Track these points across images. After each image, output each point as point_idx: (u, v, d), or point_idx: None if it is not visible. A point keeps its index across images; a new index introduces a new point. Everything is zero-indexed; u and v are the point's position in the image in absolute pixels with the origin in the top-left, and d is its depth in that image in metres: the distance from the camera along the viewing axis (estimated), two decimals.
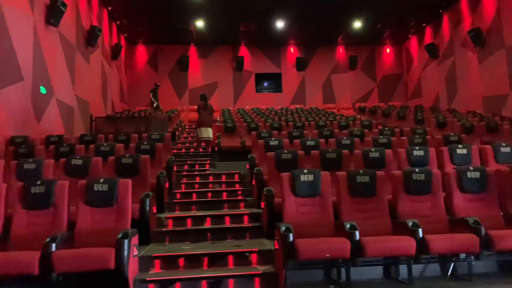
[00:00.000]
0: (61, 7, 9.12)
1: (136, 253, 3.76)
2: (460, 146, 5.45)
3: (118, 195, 4.06)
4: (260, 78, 19.37)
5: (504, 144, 5.51)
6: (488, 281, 3.71)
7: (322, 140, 6.93)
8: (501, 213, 4.19)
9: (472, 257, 3.67)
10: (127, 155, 5.47)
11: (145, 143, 6.66)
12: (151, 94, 13.28)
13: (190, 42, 18.45)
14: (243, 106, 17.40)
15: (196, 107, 11.35)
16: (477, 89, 13.26)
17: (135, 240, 3.72)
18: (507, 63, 11.74)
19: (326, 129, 8.31)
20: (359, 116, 13.90)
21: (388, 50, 19.68)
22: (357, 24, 16.52)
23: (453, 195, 4.26)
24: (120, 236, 3.49)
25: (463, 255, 3.69)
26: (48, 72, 9.19)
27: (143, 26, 16.46)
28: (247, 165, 6.98)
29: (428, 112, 12.86)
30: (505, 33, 11.83)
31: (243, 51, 19.11)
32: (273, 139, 6.91)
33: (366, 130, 8.29)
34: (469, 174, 4.26)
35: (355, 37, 18.14)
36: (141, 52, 18.66)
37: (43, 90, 8.88)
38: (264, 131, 8.41)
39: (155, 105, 13.16)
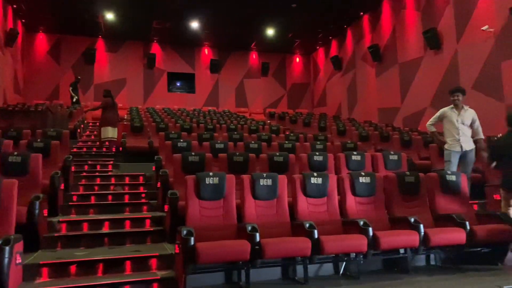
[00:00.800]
0: None
1: (20, 261, 3.41)
2: (355, 153, 5.89)
3: (1, 197, 3.65)
4: (172, 77, 18.99)
5: (392, 153, 6.09)
6: (374, 278, 4.05)
7: (231, 144, 6.99)
8: (387, 215, 4.62)
9: (361, 256, 3.97)
10: (15, 153, 4.95)
11: (39, 140, 6.10)
12: (70, 88, 12.33)
13: (98, 34, 17.40)
14: (154, 105, 16.88)
15: (99, 103, 10.67)
16: (374, 101, 14.54)
17: (18, 246, 3.37)
18: (399, 78, 13.07)
19: (236, 132, 8.41)
20: (269, 121, 14.33)
21: (297, 59, 20.67)
22: (270, 32, 17.09)
23: (347, 198, 4.59)
24: None
25: (353, 255, 3.98)
26: None
27: (44, 13, 15.08)
28: (153, 167, 6.77)
29: (331, 120, 13.74)
30: (399, 51, 13.16)
31: (156, 48, 18.57)
32: (181, 140, 6.81)
33: (273, 135, 8.57)
34: (361, 179, 4.62)
35: (268, 44, 18.74)
36: (41, 41, 17.10)
37: None
38: (173, 132, 8.24)
39: (74, 99, 12.20)
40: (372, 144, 9.35)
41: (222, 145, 6.68)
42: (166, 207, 4.91)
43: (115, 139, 9.47)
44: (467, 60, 10.19)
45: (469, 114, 5.62)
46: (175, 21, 15.72)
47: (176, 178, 5.38)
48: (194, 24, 16.11)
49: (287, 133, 11.78)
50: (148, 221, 5.18)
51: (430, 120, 5.86)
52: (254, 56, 20.03)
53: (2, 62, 13.44)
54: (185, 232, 3.55)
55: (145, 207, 5.83)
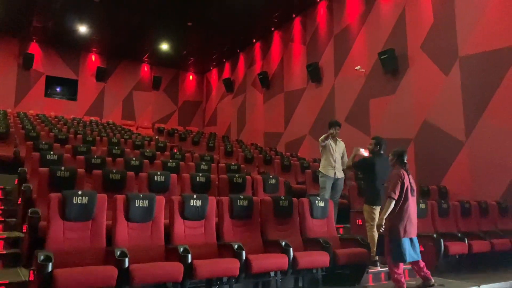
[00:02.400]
0: None
1: None
2: (237, 175, 6.03)
3: None
4: (52, 81, 17.38)
5: (271, 176, 6.39)
6: None
7: (109, 159, 6.59)
8: (262, 238, 4.78)
9: (233, 280, 4.01)
10: None
11: None
12: None
13: None
14: (27, 110, 15.15)
15: None
16: (261, 125, 15.19)
17: None
18: (284, 105, 13.90)
19: (117, 147, 7.96)
20: (156, 137, 13.93)
21: (191, 77, 20.67)
22: (164, 46, 16.84)
23: (224, 221, 4.63)
24: None
25: (225, 279, 4.00)
26: None
27: None
28: (16, 180, 6.02)
29: (219, 140, 13.94)
30: (285, 80, 14.04)
31: (35, 48, 16.84)
32: (51, 152, 6.19)
33: (158, 152, 8.34)
34: (239, 202, 4.73)
35: (161, 58, 18.41)
36: None
37: None
38: (44, 142, 7.45)
39: None
40: (255, 166, 9.71)
41: (99, 160, 6.26)
42: (24, 227, 4.38)
43: None
44: (342, 95, 11.32)
45: (342, 146, 6.31)
46: (59, 20, 14.47)
47: (41, 194, 4.83)
48: (82, 28, 15.06)
49: (175, 150, 11.63)
50: (1, 242, 4.55)
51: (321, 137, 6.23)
52: (146, 69, 19.44)
53: None
54: (42, 257, 3.20)
55: (0, 226, 5.12)
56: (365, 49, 10.72)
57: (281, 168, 8.88)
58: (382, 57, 9.71)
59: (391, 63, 9.58)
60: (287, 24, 14.08)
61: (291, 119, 13.43)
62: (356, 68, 10.62)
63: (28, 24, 14.92)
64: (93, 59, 18.13)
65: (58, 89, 17.69)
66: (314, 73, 12.24)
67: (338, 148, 6.19)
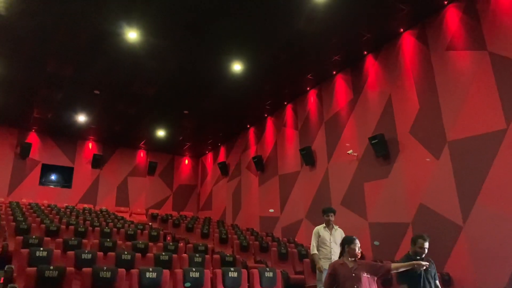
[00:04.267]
0: None
1: None
2: (232, 269, 5.82)
3: None
4: (47, 169, 17.48)
5: (268, 269, 6.17)
6: None
7: (100, 254, 6.39)
8: None
9: None
10: None
11: None
12: None
13: None
14: (20, 199, 15.02)
15: None
16: (256, 209, 15.03)
17: None
18: (279, 189, 13.90)
19: (109, 239, 7.76)
20: (150, 224, 13.68)
21: (186, 161, 20.90)
22: (161, 133, 17.25)
23: None
24: None
25: None
26: None
27: None
28: (1, 278, 5.75)
29: (214, 226, 13.68)
30: (279, 164, 14.20)
31: (33, 137, 17.19)
32: (41, 248, 6.02)
33: (151, 243, 8.12)
34: None
35: (157, 144, 18.77)
36: None
37: None
38: (34, 236, 7.27)
39: None
40: (252, 254, 9.42)
41: (89, 256, 6.07)
42: None
43: None
44: (336, 178, 11.40)
45: (339, 233, 6.08)
46: (59, 111, 14.97)
47: None
48: (80, 118, 15.53)
49: (168, 239, 11.34)
50: None
51: (312, 243, 6.01)
52: (142, 155, 19.72)
53: None
54: None
55: None
56: (355, 134, 11.03)
57: (278, 256, 8.61)
58: (372, 141, 9.97)
59: (381, 148, 9.82)
60: (279, 111, 14.65)
61: (286, 202, 13.35)
62: (348, 152, 10.84)
63: (29, 116, 15.40)
64: (90, 146, 18.45)
65: (53, 177, 17.72)
66: (308, 157, 12.44)
67: (334, 237, 6.01)
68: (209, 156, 20.22)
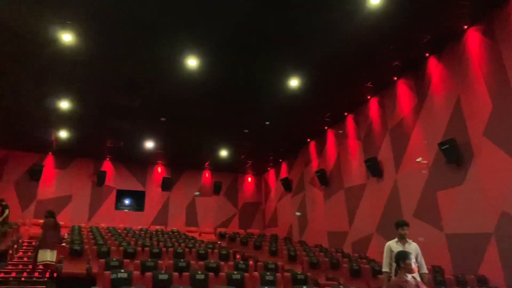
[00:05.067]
0: None
1: None
2: (305, 287, 5.73)
3: None
4: (121, 194, 18.58)
5: (341, 287, 5.98)
6: None
7: (176, 274, 6.61)
8: None
9: None
10: None
11: None
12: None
13: (48, 151, 17.17)
14: (99, 224, 16.09)
15: (41, 221, 10.10)
16: (323, 224, 14.75)
17: None
18: (345, 202, 13.56)
19: (182, 260, 8.02)
20: (219, 243, 13.96)
21: (249, 179, 21.17)
22: (223, 153, 17.68)
23: None
24: None
25: None
26: None
27: None
28: None
29: (281, 243, 13.60)
30: (344, 176, 13.89)
31: (107, 165, 18.44)
32: (122, 270, 6.35)
33: (222, 263, 8.25)
34: None
35: (221, 164, 19.23)
36: None
37: None
38: (114, 259, 7.71)
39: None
40: (322, 271, 9.22)
41: (166, 276, 6.30)
42: None
43: (53, 263, 8.76)
44: (406, 189, 10.89)
45: (414, 247, 5.70)
46: (129, 140, 15.97)
47: None
48: (148, 144, 16.41)
49: (238, 257, 11.46)
50: None
51: (384, 260, 5.75)
52: (207, 175, 20.32)
53: None
54: None
55: None
56: (423, 141, 10.51)
57: (350, 273, 8.34)
58: (443, 147, 9.44)
59: (453, 153, 9.25)
60: (339, 122, 14.40)
61: (355, 216, 12.96)
62: (418, 160, 10.35)
63: (103, 146, 16.58)
64: (159, 170, 19.37)
65: (127, 201, 18.77)
66: (374, 168, 12.05)
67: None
68: (271, 173, 20.31)
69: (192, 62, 10.46)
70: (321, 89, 11.96)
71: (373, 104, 12.71)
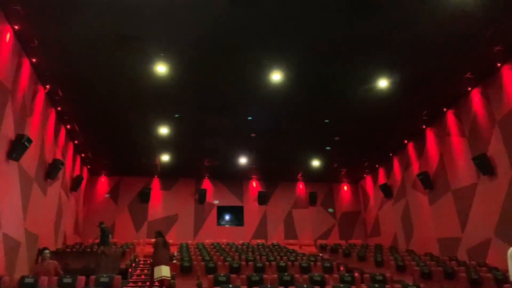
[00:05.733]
0: (25, 142, 9.22)
1: None
2: None
3: None
4: (222, 210, 19.38)
5: None
6: None
7: None
8: None
9: None
10: None
11: None
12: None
13: (154, 174, 18.69)
14: (203, 240, 16.95)
15: (153, 240, 10.96)
16: (431, 231, 13.70)
17: None
18: (455, 206, 12.44)
19: (286, 273, 8.05)
20: (320, 255, 13.74)
21: (345, 187, 20.62)
22: (315, 163, 17.51)
23: None
24: None
25: None
26: None
27: (107, 159, 16.72)
28: None
29: (387, 253, 12.93)
30: (450, 178, 12.80)
31: (206, 183, 19.43)
32: (230, 286, 6.58)
33: (326, 275, 8.09)
34: None
35: (314, 175, 19.06)
36: (103, 183, 18.57)
37: None
38: (222, 274, 8.03)
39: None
40: (436, 282, 8.54)
41: None
42: None
43: (168, 278, 9.42)
44: None
45: None
46: (224, 158, 16.71)
47: None
48: (242, 160, 16.96)
49: (342, 269, 11.15)
50: None
51: (510, 270, 5.12)
52: (301, 186, 20.28)
53: (66, 206, 14.48)
54: None
55: None
56: None
57: (468, 283, 7.60)
58: None
59: None
60: (439, 119, 13.37)
61: (467, 220, 11.81)
62: None
63: (201, 166, 17.56)
64: (254, 185, 19.86)
65: (227, 217, 19.52)
66: (484, 165, 10.93)
67: None
68: (368, 180, 19.55)
69: (276, 77, 10.63)
70: (414, 86, 11.23)
71: (475, 95, 11.59)
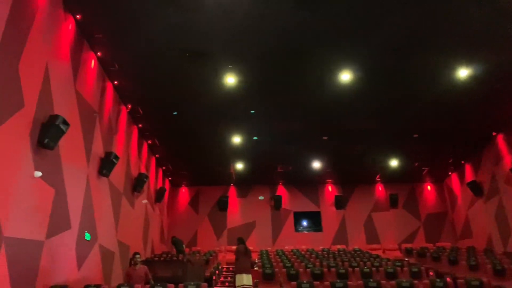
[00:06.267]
0: (113, 159, 9.99)
1: None
2: None
3: None
4: (299, 216, 19.27)
5: None
6: None
7: None
8: None
9: None
10: None
11: None
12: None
13: (230, 182, 19.17)
14: (282, 246, 16.97)
15: (233, 248, 11.22)
16: None
17: None
18: None
19: (371, 280, 7.74)
20: (406, 260, 13.05)
21: (429, 187, 19.42)
22: (393, 163, 16.70)
23: None
24: None
25: None
26: (94, 219, 9.60)
27: (186, 171, 17.52)
28: None
29: (482, 256, 11.89)
30: None
31: (281, 190, 19.47)
32: None
33: (415, 281, 7.65)
34: None
35: (393, 175, 18.18)
36: (184, 194, 19.45)
37: (87, 236, 9.15)
38: (305, 281, 7.95)
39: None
40: None
41: None
42: None
43: (250, 286, 9.56)
44: None
45: None
46: (297, 163, 16.62)
47: None
48: (316, 164, 16.73)
49: (431, 274, 10.47)
50: None
51: None
52: (380, 188, 19.48)
53: (152, 217, 15.39)
54: None
55: None
56: None
57: None
58: None
59: None
60: None
61: None
62: None
63: (274, 172, 17.65)
64: (330, 189, 19.49)
65: (304, 223, 19.35)
66: None
67: None
68: (454, 177, 18.20)
69: (345, 77, 10.37)
70: (504, 70, 10.18)
71: None
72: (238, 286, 9.65)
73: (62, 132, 7.17)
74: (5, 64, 5.96)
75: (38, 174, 6.75)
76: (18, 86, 6.28)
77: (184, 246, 14.61)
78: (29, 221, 6.57)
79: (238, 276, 9.67)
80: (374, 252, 15.29)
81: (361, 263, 11.41)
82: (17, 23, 6.25)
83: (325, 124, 13.15)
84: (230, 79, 10.40)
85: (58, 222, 7.68)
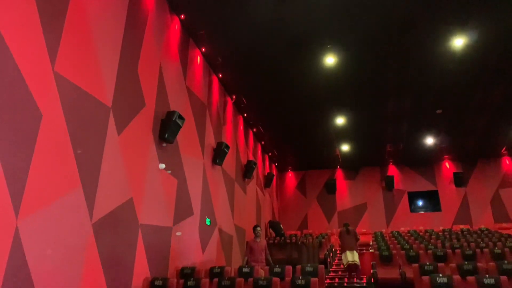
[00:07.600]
0: (224, 149, 10.56)
1: None
2: None
3: None
4: (413, 196, 18.23)
5: None
6: None
7: (504, 278, 5.80)
8: None
9: None
10: None
11: (300, 277, 6.55)
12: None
13: (336, 165, 18.90)
14: (397, 228, 16.26)
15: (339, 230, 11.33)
16: None
17: None
18: None
19: (506, 262, 6.99)
20: None
21: None
22: None
23: None
24: None
25: None
26: (212, 205, 10.30)
27: (291, 156, 17.73)
28: None
29: None
30: None
31: (392, 170, 18.59)
32: (440, 275, 6.09)
33: None
34: None
35: None
36: (290, 178, 19.75)
37: (208, 222, 9.88)
38: (427, 263, 7.51)
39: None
40: None
41: (492, 281, 5.61)
42: None
43: (356, 262, 9.71)
44: None
45: None
46: (408, 141, 15.65)
47: None
48: (429, 140, 15.56)
49: None
50: None
51: None
52: (507, 162, 17.39)
53: (263, 202, 15.96)
54: None
55: None
56: None
57: None
58: None
59: None
60: None
61: None
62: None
63: (384, 152, 16.88)
64: (447, 166, 18.01)
65: (420, 203, 18.24)
66: None
67: None
68: None
69: (459, 42, 9.39)
70: None
71: None
72: (345, 264, 9.92)
73: (179, 127, 7.79)
74: (127, 68, 6.65)
75: (163, 166, 7.45)
76: (139, 87, 6.97)
77: (282, 227, 14.93)
78: (158, 209, 7.32)
79: (343, 255, 10.01)
80: (505, 232, 13.78)
81: (490, 243, 10.40)
82: (133, 29, 6.92)
83: (437, 97, 12.10)
84: (330, 59, 10.16)
85: (182, 210, 8.41)
